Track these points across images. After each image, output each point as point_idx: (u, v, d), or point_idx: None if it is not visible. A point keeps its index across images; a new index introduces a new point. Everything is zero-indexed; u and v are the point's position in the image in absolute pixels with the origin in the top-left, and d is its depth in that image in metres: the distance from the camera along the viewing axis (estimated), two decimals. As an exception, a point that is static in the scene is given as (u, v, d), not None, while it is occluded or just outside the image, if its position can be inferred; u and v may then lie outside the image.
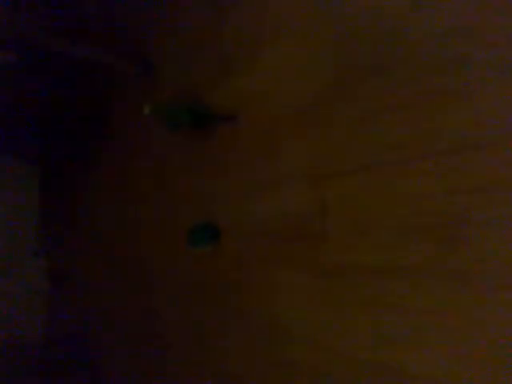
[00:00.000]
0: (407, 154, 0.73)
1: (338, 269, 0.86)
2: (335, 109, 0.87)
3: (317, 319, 0.92)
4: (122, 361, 2.10)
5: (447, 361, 0.67)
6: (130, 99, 1.97)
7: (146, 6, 1.76)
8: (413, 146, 0.72)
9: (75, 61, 2.22)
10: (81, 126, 2.53)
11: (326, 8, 0.88)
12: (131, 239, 1.98)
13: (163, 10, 1.63)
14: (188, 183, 1.43)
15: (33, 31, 1.32)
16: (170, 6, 1.57)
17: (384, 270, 0.76)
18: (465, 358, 0.65)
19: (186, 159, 1.44)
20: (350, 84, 0.83)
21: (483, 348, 0.62)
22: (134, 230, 1.94)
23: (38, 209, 4.19)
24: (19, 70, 1.83)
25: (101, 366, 2.45)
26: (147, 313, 1.81)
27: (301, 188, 0.96)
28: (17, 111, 2.22)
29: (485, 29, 0.61)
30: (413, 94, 0.72)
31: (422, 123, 0.71)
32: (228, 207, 1.24)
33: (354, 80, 0.82)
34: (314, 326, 0.92)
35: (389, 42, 0.75)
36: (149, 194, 1.76)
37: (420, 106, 0.71)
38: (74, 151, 2.89)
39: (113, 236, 2.25)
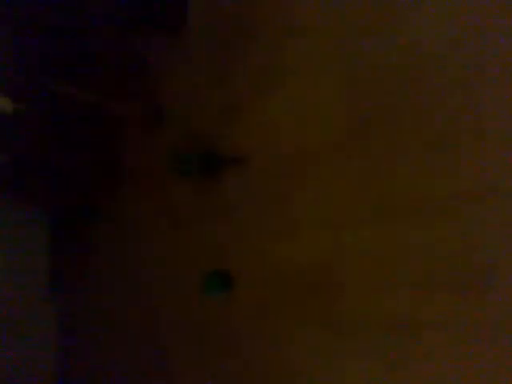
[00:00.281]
0: (422, 202, 0.71)
1: (352, 323, 0.82)
2: (348, 155, 0.84)
3: (328, 374, 0.88)
4: None
5: None
6: (142, 142, 2.01)
7: (157, 50, 1.83)
8: (428, 194, 0.69)
9: (85, 107, 2.30)
10: (92, 170, 2.58)
11: (339, 51, 0.87)
12: (143, 287, 1.96)
13: (174, 53, 1.68)
14: (201, 227, 1.42)
15: (44, 79, 1.38)
16: (182, 48, 1.62)
17: (402, 324, 0.73)
18: None
19: (198, 203, 1.43)
20: (363, 130, 0.81)
21: None
22: (146, 277, 1.92)
23: (49, 256, 4.19)
24: (30, 117, 1.90)
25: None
26: (157, 359, 1.77)
27: (315, 237, 0.93)
28: (28, 158, 2.29)
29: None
30: (425, 143, 0.70)
31: (436, 170, 0.68)
32: (241, 254, 1.21)
33: (367, 125, 0.80)
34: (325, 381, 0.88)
35: (405, 88, 0.74)
36: (162, 237, 1.77)
37: (433, 153, 0.69)
38: (85, 195, 2.92)
39: (125, 283, 2.24)
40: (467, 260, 0.64)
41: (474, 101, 0.62)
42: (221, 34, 1.31)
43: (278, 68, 1.06)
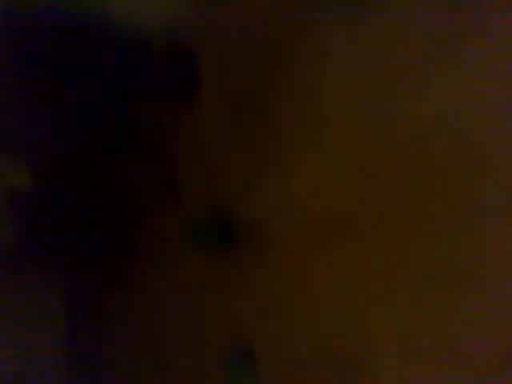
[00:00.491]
0: (449, 277, 0.67)
1: None
2: (371, 233, 0.82)
3: None
4: None
5: None
6: (156, 211, 2.01)
7: (170, 114, 1.86)
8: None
9: (97, 180, 2.34)
10: (105, 241, 2.59)
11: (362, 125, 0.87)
12: (157, 360, 1.90)
13: (188, 119, 1.71)
14: (216, 301, 1.38)
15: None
16: (196, 114, 1.64)
17: None
18: None
19: (213, 275, 1.40)
20: (384, 205, 0.79)
21: None
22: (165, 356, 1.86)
23: (64, 326, 4.11)
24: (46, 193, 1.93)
25: None
26: None
27: (340, 314, 0.89)
28: (44, 229, 2.30)
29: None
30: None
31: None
32: (261, 330, 1.16)
33: (388, 201, 0.78)
34: None
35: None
36: (176, 312, 1.72)
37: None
38: (100, 263, 2.91)
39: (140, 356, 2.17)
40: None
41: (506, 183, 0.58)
42: (235, 98, 1.33)
43: (295, 137, 1.06)
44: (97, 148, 2.07)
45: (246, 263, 1.21)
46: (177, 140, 1.81)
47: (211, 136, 1.49)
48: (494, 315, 0.60)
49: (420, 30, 0.73)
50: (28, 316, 3.86)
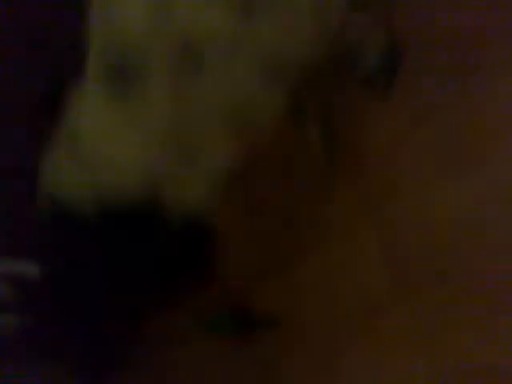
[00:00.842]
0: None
1: None
2: (394, 322, 0.80)
3: None
4: None
5: None
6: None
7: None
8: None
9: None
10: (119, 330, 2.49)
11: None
12: None
13: None
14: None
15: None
16: None
17: None
18: None
19: (226, 369, 1.33)
20: (407, 294, 0.77)
21: None
22: None
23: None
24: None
25: None
26: None
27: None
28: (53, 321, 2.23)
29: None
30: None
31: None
32: None
33: (411, 288, 0.76)
34: None
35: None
36: None
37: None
38: (112, 357, 2.77)
39: None
40: None
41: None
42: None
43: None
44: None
45: (261, 354, 1.15)
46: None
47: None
48: None
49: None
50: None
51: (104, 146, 0.55)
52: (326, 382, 0.94)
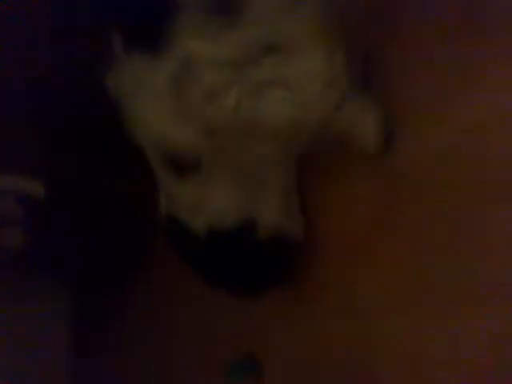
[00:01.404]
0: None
1: None
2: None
3: None
4: None
5: None
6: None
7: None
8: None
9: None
10: (120, 253, 2.61)
11: None
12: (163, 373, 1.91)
13: None
14: (228, 319, 1.39)
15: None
16: None
17: None
18: None
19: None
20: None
21: None
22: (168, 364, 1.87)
23: (71, 329, 4.12)
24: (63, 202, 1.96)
25: None
26: None
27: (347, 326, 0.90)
28: (57, 236, 2.34)
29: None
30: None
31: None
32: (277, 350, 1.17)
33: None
34: None
35: None
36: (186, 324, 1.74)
37: None
38: (112, 271, 2.93)
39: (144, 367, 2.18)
40: None
41: None
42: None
43: None
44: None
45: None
46: None
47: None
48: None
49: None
50: (32, 325, 3.89)
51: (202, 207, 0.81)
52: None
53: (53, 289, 3.93)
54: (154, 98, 0.71)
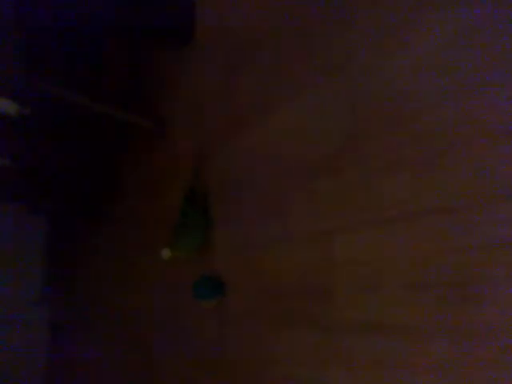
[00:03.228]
0: (409, 211, 0.75)
1: (341, 326, 0.85)
2: (344, 168, 0.89)
3: (317, 376, 0.91)
4: None
5: None
6: (141, 157, 2.07)
7: (162, 62, 1.89)
8: (415, 203, 0.74)
9: (83, 114, 2.35)
10: (91, 183, 2.62)
11: (339, 70, 0.94)
12: (131, 293, 2.03)
13: (176, 69, 1.76)
14: None
15: (49, 87, 1.43)
16: (183, 65, 1.70)
17: (387, 327, 0.76)
18: None
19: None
20: (360, 144, 0.86)
21: None
22: (135, 284, 1.99)
23: (43, 259, 4.20)
24: (34, 122, 1.94)
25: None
26: (145, 366, 1.79)
27: (309, 245, 0.97)
28: (29, 161, 2.33)
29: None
30: (417, 153, 0.75)
31: (425, 181, 0.73)
32: (235, 260, 1.25)
33: (364, 139, 0.85)
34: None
35: (399, 100, 0.80)
36: (154, 249, 1.83)
37: (423, 164, 0.73)
38: (83, 207, 2.96)
39: (112, 290, 2.26)
40: (449, 269, 0.68)
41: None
42: (226, 50, 1.39)
43: (278, 89, 1.13)
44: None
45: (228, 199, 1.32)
46: (166, 86, 1.82)
47: (200, 85, 1.53)
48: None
49: None
50: (10, 251, 3.94)
51: None
52: (281, 220, 1.08)
53: (28, 215, 3.94)
54: None
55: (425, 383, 0.70)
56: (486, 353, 0.61)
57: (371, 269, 0.80)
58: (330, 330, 0.88)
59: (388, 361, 0.76)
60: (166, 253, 1.27)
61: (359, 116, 0.86)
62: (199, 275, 1.34)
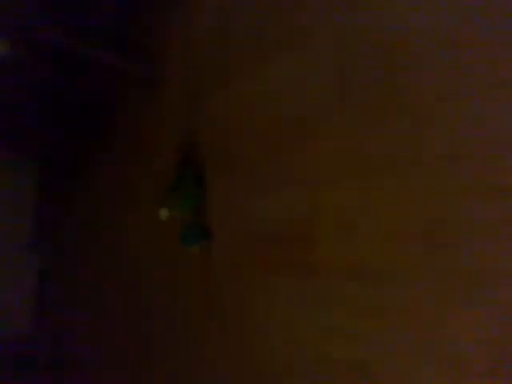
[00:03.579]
0: (396, 161, 0.75)
1: (323, 271, 0.87)
2: (333, 120, 0.89)
3: (300, 319, 0.93)
4: (108, 359, 2.10)
5: (416, 359, 0.68)
6: (132, 101, 2.02)
7: (150, 11, 1.80)
8: (401, 154, 0.74)
9: (76, 57, 2.26)
10: (81, 127, 2.56)
11: (329, 20, 0.93)
12: (122, 239, 2.00)
13: (169, 13, 1.67)
14: None
15: (45, 30, 1.35)
16: (178, 8, 1.61)
17: (369, 272, 0.77)
18: (432, 358, 0.66)
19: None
20: (349, 95, 0.86)
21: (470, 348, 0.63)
22: (126, 230, 1.99)
23: (33, 204, 4.17)
24: (23, 63, 1.86)
25: (85, 364, 2.44)
26: (135, 312, 1.82)
27: (296, 194, 0.98)
28: (18, 104, 2.26)
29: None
30: (405, 104, 0.75)
31: (412, 133, 0.73)
32: (224, 207, 1.26)
33: (353, 91, 0.85)
34: (296, 326, 0.94)
35: (389, 51, 0.79)
36: (146, 198, 1.83)
37: (412, 114, 0.74)
38: (73, 151, 2.90)
39: (105, 235, 2.26)
40: (431, 215, 0.69)
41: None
42: None
43: (270, 40, 1.11)
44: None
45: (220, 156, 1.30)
46: (162, 37, 1.74)
47: (195, 34, 1.47)
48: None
49: None
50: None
51: None
52: (271, 169, 1.09)
53: (18, 161, 3.88)
54: None
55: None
56: (453, 294, 0.64)
57: (354, 218, 0.82)
58: (315, 274, 0.89)
59: (368, 304, 0.78)
60: (163, 213, 1.27)
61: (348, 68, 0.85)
62: (186, 222, 1.35)
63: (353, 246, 0.81)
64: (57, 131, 2.83)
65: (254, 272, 1.09)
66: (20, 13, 1.47)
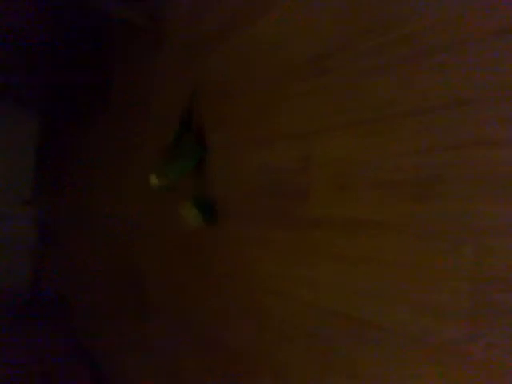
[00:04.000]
0: (387, 112, 0.74)
1: (315, 223, 0.87)
2: (331, 67, 0.87)
3: (292, 272, 0.92)
4: (102, 322, 2.13)
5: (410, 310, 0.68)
6: (133, 54, 1.94)
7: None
8: (393, 105, 0.73)
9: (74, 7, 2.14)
10: (82, 81, 2.48)
11: None
12: (118, 199, 1.98)
13: None
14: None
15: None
16: None
17: (359, 223, 0.77)
18: (423, 307, 0.66)
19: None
20: (349, 41, 0.83)
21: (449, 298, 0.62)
22: (120, 189, 1.93)
23: (34, 159, 4.14)
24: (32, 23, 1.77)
25: (82, 328, 2.48)
26: (129, 273, 1.81)
27: (289, 145, 0.97)
28: (20, 57, 2.16)
29: None
30: (404, 55, 0.72)
31: (408, 82, 0.71)
32: (218, 159, 1.24)
33: (354, 37, 0.82)
34: (289, 279, 0.93)
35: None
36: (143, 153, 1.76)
37: (408, 66, 0.71)
38: (74, 106, 2.83)
39: (100, 195, 2.25)
40: (420, 169, 0.68)
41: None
42: None
43: None
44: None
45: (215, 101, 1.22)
46: None
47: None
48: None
49: None
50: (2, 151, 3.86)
51: None
52: (267, 121, 1.05)
53: (22, 115, 3.84)
54: None
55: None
56: (442, 243, 0.64)
57: (345, 169, 0.81)
58: (306, 227, 0.90)
59: (357, 255, 0.78)
60: (152, 180, 1.26)
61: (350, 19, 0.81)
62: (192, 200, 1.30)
63: (344, 198, 0.81)
64: (57, 76, 2.73)
65: (246, 223, 1.09)
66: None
